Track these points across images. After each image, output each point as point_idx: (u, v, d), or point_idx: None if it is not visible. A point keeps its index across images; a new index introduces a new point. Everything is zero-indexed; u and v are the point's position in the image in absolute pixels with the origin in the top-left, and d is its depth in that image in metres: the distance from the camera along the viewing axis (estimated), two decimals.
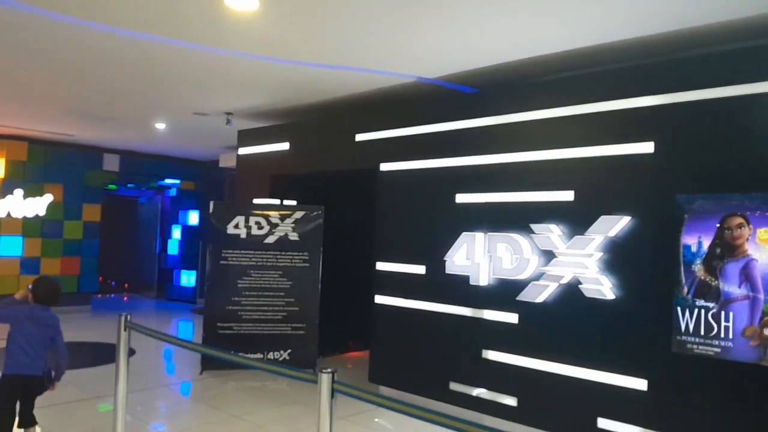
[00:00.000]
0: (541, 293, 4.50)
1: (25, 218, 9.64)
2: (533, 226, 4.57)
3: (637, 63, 4.37)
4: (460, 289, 5.01)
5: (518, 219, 4.66)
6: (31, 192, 9.70)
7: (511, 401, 4.66)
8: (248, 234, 6.45)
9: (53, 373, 3.80)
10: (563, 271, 4.39)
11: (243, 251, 6.43)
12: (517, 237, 4.65)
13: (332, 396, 2.37)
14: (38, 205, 9.79)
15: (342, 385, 2.38)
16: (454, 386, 5.03)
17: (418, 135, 5.52)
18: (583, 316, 4.27)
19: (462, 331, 5.00)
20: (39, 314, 3.74)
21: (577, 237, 4.33)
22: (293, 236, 6.53)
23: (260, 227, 6.49)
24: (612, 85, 4.30)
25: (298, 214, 6.55)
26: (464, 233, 5.01)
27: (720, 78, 3.77)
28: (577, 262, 4.31)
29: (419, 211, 5.44)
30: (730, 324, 3.63)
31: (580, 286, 4.29)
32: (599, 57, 4.56)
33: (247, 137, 7.62)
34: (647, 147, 4.04)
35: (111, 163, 10.79)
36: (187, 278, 12.07)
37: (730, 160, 3.73)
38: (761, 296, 3.53)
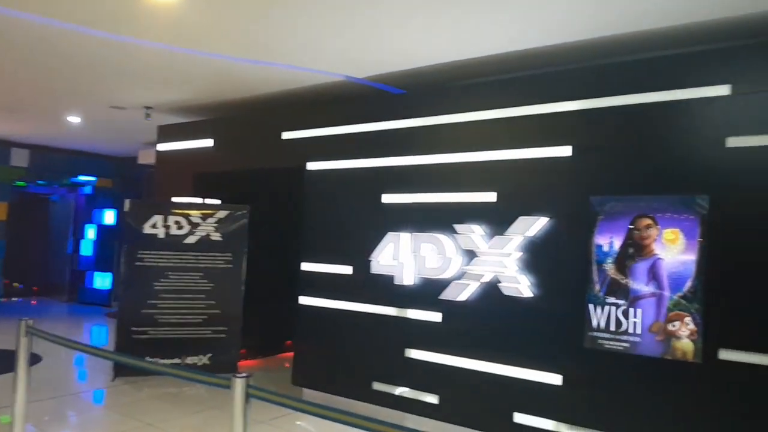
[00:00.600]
0: (462, 292, 4.56)
1: None
2: (456, 227, 4.63)
3: (559, 69, 4.53)
4: (385, 288, 5.00)
5: (442, 219, 4.72)
6: None
7: (432, 399, 4.70)
8: (167, 234, 6.18)
9: None
10: (484, 270, 4.47)
11: (161, 252, 6.14)
12: (441, 237, 4.70)
13: (247, 401, 2.28)
14: None
15: (257, 389, 2.30)
16: (377, 386, 5.01)
17: (345, 134, 5.48)
18: (502, 314, 4.37)
19: (386, 330, 4.99)
20: None
21: (497, 237, 4.43)
22: (216, 236, 6.32)
23: (180, 227, 6.23)
24: (534, 90, 4.43)
25: (222, 214, 6.34)
26: (390, 233, 5.01)
27: (635, 85, 3.96)
28: (497, 261, 4.41)
29: (346, 211, 5.40)
30: (638, 320, 3.82)
31: (499, 284, 4.39)
32: (522, 62, 4.69)
33: (168, 133, 7.31)
34: (565, 150, 4.19)
35: (19, 158, 10.08)
36: (102, 280, 11.44)
37: (641, 163, 3.92)
38: (666, 293, 3.73)
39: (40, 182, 11.62)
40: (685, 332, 3.65)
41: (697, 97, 3.73)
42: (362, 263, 5.17)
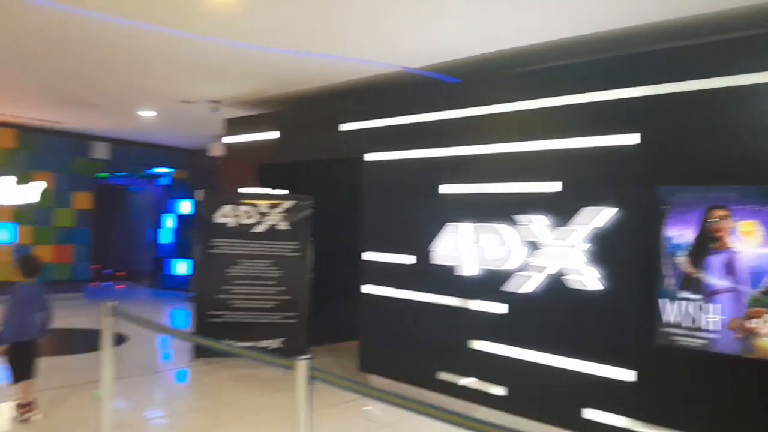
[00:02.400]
0: (526, 283, 4.53)
1: (16, 206, 9.62)
2: (517, 217, 4.59)
3: (624, 54, 4.36)
4: (446, 279, 5.04)
5: (503, 210, 4.68)
6: (22, 180, 9.68)
7: (499, 391, 4.71)
8: (237, 223, 6.45)
9: (42, 330, 4.54)
10: (548, 262, 4.41)
11: (232, 240, 6.43)
12: (502, 228, 4.67)
13: (310, 383, 2.39)
14: (31, 192, 9.76)
15: (320, 372, 2.40)
16: (442, 375, 5.08)
17: (402, 125, 5.52)
18: (569, 307, 4.30)
19: (450, 321, 5.04)
20: (33, 289, 4.52)
21: (561, 228, 4.35)
22: (283, 225, 6.54)
23: (249, 216, 6.49)
24: (600, 75, 4.29)
25: (288, 204, 6.55)
26: (449, 223, 5.03)
27: (705, 69, 3.77)
28: (561, 253, 4.34)
29: (404, 201, 5.45)
30: (715, 316, 3.66)
31: (564, 277, 4.32)
32: (585, 47, 4.55)
33: (236, 125, 7.60)
34: (633, 138, 4.05)
35: (100, 151, 10.75)
36: (181, 267, 12.07)
37: (713, 152, 3.74)
38: (745, 288, 3.55)
39: (120, 174, 12.36)
40: (766, 330, 3.47)
41: None
42: (424, 253, 5.21)
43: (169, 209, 12.36)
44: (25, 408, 4.42)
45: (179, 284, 12.04)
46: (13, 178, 9.57)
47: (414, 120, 5.41)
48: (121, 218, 13.53)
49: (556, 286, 4.36)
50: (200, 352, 6.31)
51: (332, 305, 7.16)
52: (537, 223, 4.48)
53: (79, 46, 5.17)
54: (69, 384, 5.29)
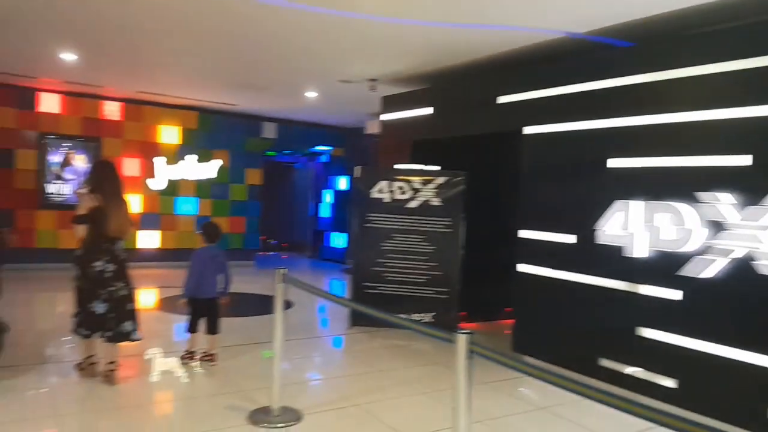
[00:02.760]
0: (707, 268, 4.06)
1: (198, 181, 10.81)
2: (699, 194, 4.10)
3: None
4: (612, 260, 4.69)
5: (681, 186, 4.22)
6: (203, 157, 10.83)
7: (669, 383, 4.32)
8: (391, 198, 6.60)
9: (224, 291, 5.09)
10: (734, 244, 3.90)
11: (386, 215, 6.61)
12: (680, 206, 4.22)
13: (469, 357, 2.36)
14: (210, 169, 10.91)
15: (479, 347, 2.36)
16: (604, 362, 4.78)
17: (565, 95, 5.19)
18: (758, 295, 3.79)
19: (615, 305, 4.70)
20: (213, 252, 5.05)
21: (752, 207, 3.81)
22: (436, 201, 6.56)
23: (403, 192, 6.60)
24: None
25: (441, 180, 6.55)
26: (618, 201, 4.65)
27: None
28: (751, 235, 3.81)
29: (567, 176, 5.15)
30: None
31: (754, 262, 3.79)
32: None
33: (391, 103, 7.73)
34: None
35: (269, 131, 11.62)
36: (338, 240, 12.75)
37: None
38: None
39: (285, 152, 13.30)
40: None
41: None
42: (586, 232, 4.91)
43: (327, 185, 13.07)
44: (208, 357, 5.00)
45: (336, 256, 12.74)
46: (195, 156, 10.74)
47: (579, 89, 5.06)
48: (285, 193, 14.61)
49: (743, 271, 3.85)
50: (356, 321, 6.62)
51: (483, 283, 7.07)
52: (722, 201, 3.97)
53: (252, 35, 5.60)
54: (242, 342, 5.85)
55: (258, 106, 10.40)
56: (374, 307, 3.32)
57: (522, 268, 5.56)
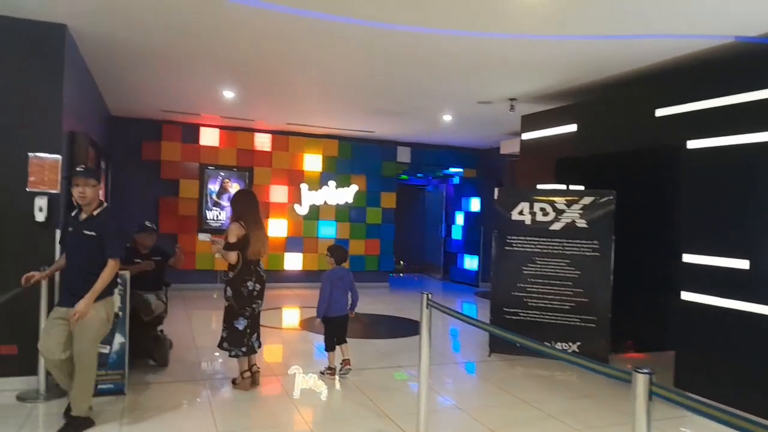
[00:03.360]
0: None
1: (337, 205, 11.28)
2: None
3: None
4: None
5: None
6: (341, 183, 11.29)
7: None
8: (533, 220, 6.37)
9: (352, 307, 5.53)
10: None
11: (528, 237, 6.38)
12: None
13: (650, 399, 2.15)
14: (347, 194, 11.34)
15: (661, 388, 2.14)
16: None
17: (736, 105, 4.69)
18: None
19: None
20: (341, 273, 5.45)
21: None
22: (581, 223, 6.22)
23: (545, 213, 6.34)
24: None
25: (587, 200, 6.20)
26: None
27: None
28: None
29: (739, 194, 4.62)
30: None
31: None
32: None
33: (531, 122, 7.52)
34: None
35: (403, 155, 11.86)
36: (470, 262, 12.59)
37: None
38: None
39: (418, 175, 13.47)
40: None
41: None
42: (763, 256, 4.34)
43: (459, 207, 13.00)
44: (344, 362, 5.43)
45: (467, 278, 12.57)
46: (334, 182, 11.23)
47: (752, 98, 4.55)
48: (417, 216, 14.76)
49: None
50: (495, 347, 6.42)
51: (635, 311, 6.55)
52: None
53: (396, 62, 5.74)
54: (382, 365, 5.91)
55: (394, 132, 10.67)
56: (516, 332, 3.16)
57: (687, 296, 5.05)
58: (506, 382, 5.55)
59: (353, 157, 11.42)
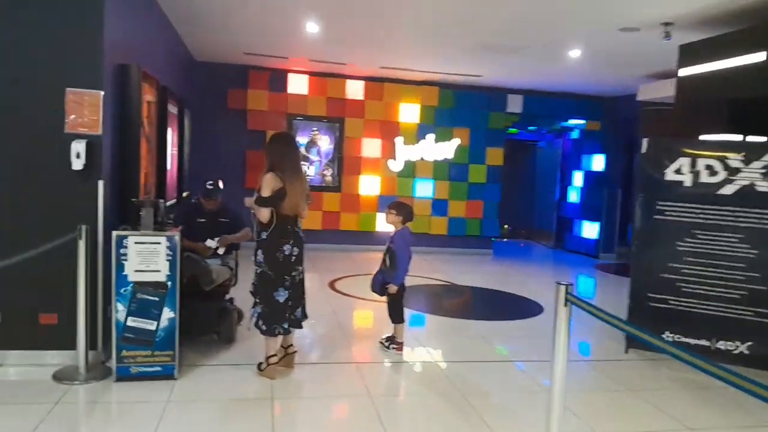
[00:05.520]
0: None
1: (435, 162, 10.04)
2: None
3: None
4: None
5: None
6: (441, 136, 10.01)
7: None
8: (694, 182, 4.82)
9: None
10: None
11: (687, 204, 4.86)
12: None
13: None
14: (447, 149, 10.06)
15: None
16: None
17: None
18: None
19: None
20: (410, 234, 4.75)
21: None
22: (763, 186, 4.61)
23: (713, 173, 4.77)
24: None
25: None
26: None
27: None
28: None
29: None
30: None
31: None
32: None
33: (694, 52, 5.78)
34: None
35: (514, 104, 10.33)
36: (589, 229, 10.95)
37: None
38: None
39: (530, 128, 11.85)
40: None
41: None
42: None
43: (578, 165, 11.32)
44: (398, 345, 4.70)
45: (585, 248, 10.98)
46: (432, 135, 9.98)
47: None
48: (526, 175, 13.17)
49: None
50: (633, 342, 5.05)
51: None
52: None
53: None
54: (495, 358, 4.78)
55: (504, 77, 9.18)
56: (661, 324, 1.94)
57: None
58: (656, 393, 4.20)
59: (456, 106, 10.04)
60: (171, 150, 6.13)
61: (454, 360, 4.66)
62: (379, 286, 4.72)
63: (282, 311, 4.00)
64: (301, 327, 4.21)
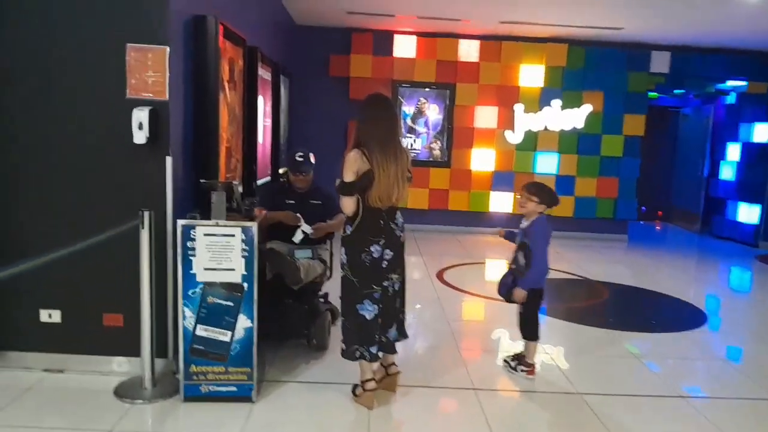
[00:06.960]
0: None
1: (562, 132, 8.70)
2: None
3: None
4: None
5: None
6: (569, 102, 8.62)
7: None
8: None
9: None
10: None
11: None
12: None
13: None
14: (576, 117, 8.66)
15: None
16: None
17: None
18: None
19: None
20: (549, 224, 3.61)
21: None
22: None
23: None
24: None
25: None
26: None
27: None
28: None
29: None
30: None
31: None
32: None
33: None
34: None
35: (659, 63, 8.64)
36: (747, 212, 9.12)
37: None
38: None
39: (676, 91, 10.06)
40: None
41: None
42: None
43: (733, 136, 9.44)
44: (530, 368, 3.70)
45: (741, 234, 9.18)
46: (558, 101, 8.61)
47: None
48: (666, 147, 11.35)
49: None
50: None
51: None
52: None
53: None
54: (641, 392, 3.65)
55: (649, 30, 7.62)
56: None
57: None
58: None
59: (587, 67, 8.55)
60: (263, 121, 5.45)
61: (603, 392, 3.56)
62: (506, 290, 3.70)
63: (368, 331, 3.10)
64: (394, 352, 3.30)
